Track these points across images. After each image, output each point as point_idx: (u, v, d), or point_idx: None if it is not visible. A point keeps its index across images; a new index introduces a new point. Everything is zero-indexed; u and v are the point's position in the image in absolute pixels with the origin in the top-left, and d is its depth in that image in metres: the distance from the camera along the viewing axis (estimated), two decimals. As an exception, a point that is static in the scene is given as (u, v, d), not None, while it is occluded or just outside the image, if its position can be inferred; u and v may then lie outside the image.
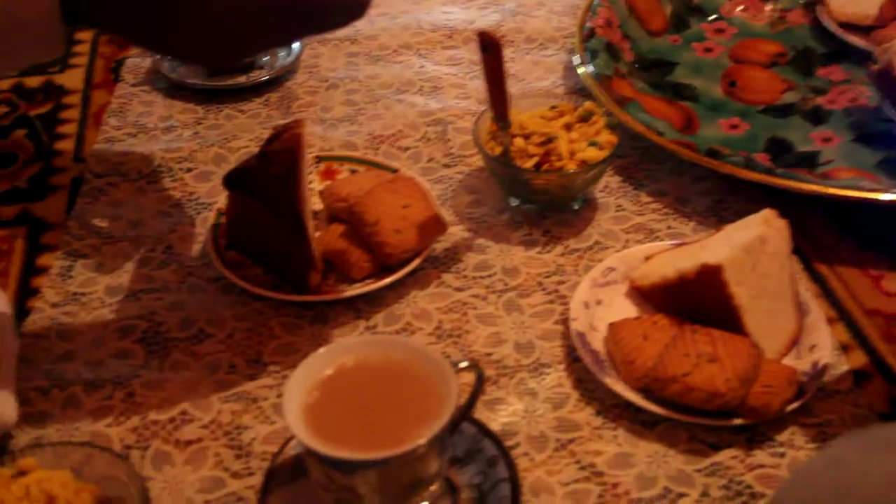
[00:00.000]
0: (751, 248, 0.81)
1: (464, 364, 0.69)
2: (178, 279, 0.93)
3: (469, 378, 0.70)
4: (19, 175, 1.08)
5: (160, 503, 0.73)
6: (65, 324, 0.89)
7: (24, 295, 0.93)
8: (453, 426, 0.68)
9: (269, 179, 0.85)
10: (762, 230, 0.82)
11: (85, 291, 0.92)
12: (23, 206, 1.04)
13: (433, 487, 0.69)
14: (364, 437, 0.65)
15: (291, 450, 0.74)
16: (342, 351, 0.69)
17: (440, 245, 0.95)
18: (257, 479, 0.74)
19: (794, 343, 0.82)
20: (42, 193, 1.05)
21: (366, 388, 0.68)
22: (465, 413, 0.71)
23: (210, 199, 1.01)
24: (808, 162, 1.02)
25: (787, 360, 0.81)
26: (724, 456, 0.75)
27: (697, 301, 0.81)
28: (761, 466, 0.74)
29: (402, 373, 0.68)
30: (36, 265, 0.96)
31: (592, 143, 0.94)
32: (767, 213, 0.83)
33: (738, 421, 0.76)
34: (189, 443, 0.78)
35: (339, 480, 0.65)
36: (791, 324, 0.83)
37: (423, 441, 0.63)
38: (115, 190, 1.04)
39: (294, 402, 0.66)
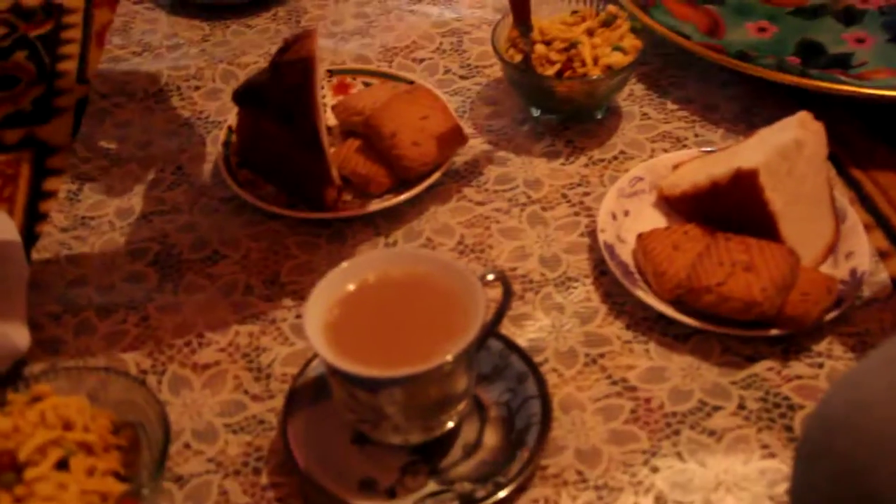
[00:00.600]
0: (786, 151, 0.77)
1: (490, 276, 0.66)
2: (190, 200, 0.90)
3: (495, 292, 0.67)
4: (22, 98, 1.04)
5: (179, 427, 0.71)
6: (75, 248, 0.86)
7: (32, 220, 0.90)
8: (481, 341, 0.66)
9: (281, 92, 0.82)
10: (798, 133, 0.78)
11: (94, 215, 0.89)
12: (27, 129, 1.00)
13: (461, 406, 0.66)
14: (388, 355, 0.62)
15: (313, 371, 0.71)
16: (364, 266, 0.66)
17: (459, 159, 0.91)
18: (278, 402, 0.72)
19: (831, 250, 0.79)
20: (46, 116, 1.02)
21: (389, 304, 0.65)
22: (492, 327, 0.68)
23: (220, 118, 0.98)
24: (841, 64, 0.97)
25: (824, 269, 0.78)
26: (760, 368, 0.73)
27: (731, 208, 0.78)
28: (799, 378, 0.72)
29: (426, 287, 0.66)
30: (43, 189, 0.93)
31: (617, 48, 0.90)
32: (803, 116, 0.79)
33: (774, 331, 0.73)
34: (207, 366, 0.75)
35: (364, 399, 0.62)
36: (828, 230, 0.79)
37: (449, 357, 0.60)
38: (122, 110, 1.00)
39: (315, 320, 0.63)
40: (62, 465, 0.63)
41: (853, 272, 0.76)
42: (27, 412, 0.65)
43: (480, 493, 0.64)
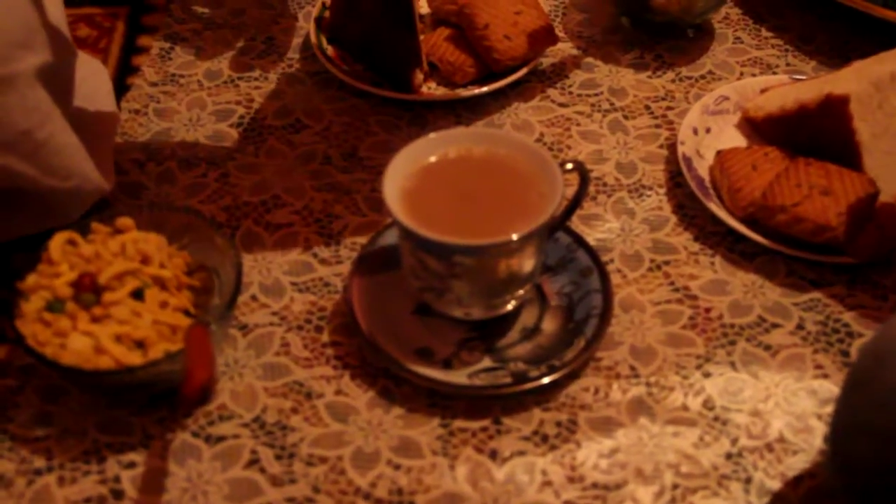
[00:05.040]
0: (881, 83, 0.76)
1: (569, 165, 0.67)
2: (278, 70, 0.91)
3: (570, 190, 0.68)
4: (123, -45, 1.06)
5: (248, 279, 0.73)
6: (163, 103, 0.88)
7: (124, 73, 0.92)
8: (555, 226, 0.66)
9: (380, -32, 0.82)
10: (895, 67, 0.77)
11: (184, 73, 0.91)
12: (126, -14, 1.02)
13: (524, 289, 0.67)
14: (462, 226, 0.63)
15: (382, 242, 0.73)
16: (447, 140, 0.67)
17: (547, 60, 0.91)
18: (345, 268, 0.74)
19: (912, 189, 0.78)
20: (145, -25, 1.03)
21: (467, 180, 0.66)
22: (566, 215, 0.69)
23: (314, -6, 0.99)
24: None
25: (902, 206, 0.77)
26: (824, 293, 0.73)
27: (816, 134, 0.77)
28: (862, 307, 0.72)
29: (505, 167, 0.66)
30: (136, 45, 0.95)
31: (720, -35, 0.89)
32: (903, 50, 0.78)
33: (843, 259, 0.73)
34: (279, 226, 0.77)
35: (433, 267, 0.64)
36: (911, 169, 0.79)
37: (517, 235, 0.61)
38: (219, -22, 1.02)
39: (393, 185, 0.64)
40: (138, 295, 0.65)
41: (931, 213, 0.76)
42: (109, 242, 0.67)
43: (533, 373, 0.65)
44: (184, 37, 0.95)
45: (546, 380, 0.65)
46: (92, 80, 0.81)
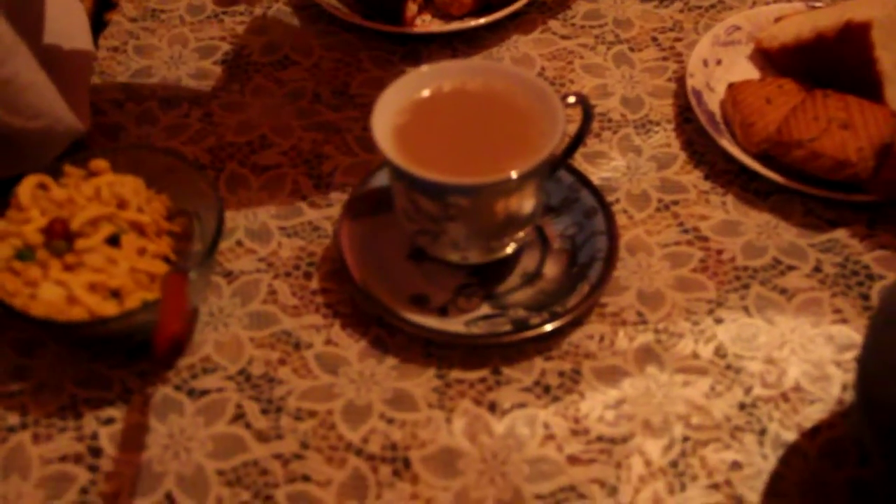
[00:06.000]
0: (904, 9, 0.71)
1: (571, 98, 0.62)
2: (265, 3, 0.86)
3: (572, 127, 0.64)
4: None
5: (233, 224, 0.69)
6: (143, 39, 0.84)
7: (103, 7, 0.87)
8: (556, 164, 0.62)
9: None
10: (919, -9, 0.72)
11: (165, 8, 0.86)
12: (104, -83, 0.97)
13: (523, 232, 0.63)
14: (456, 165, 0.59)
15: (374, 182, 0.69)
16: (441, 73, 0.63)
17: (548, -10, 0.86)
18: (335, 211, 0.70)
19: (935, 122, 0.74)
20: None
21: (463, 115, 0.62)
22: (568, 152, 0.65)
23: (302, -77, 0.93)
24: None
25: (925, 140, 0.73)
26: (843, 233, 0.69)
27: (834, 64, 0.73)
28: (883, 248, 0.68)
29: (504, 102, 0.62)
30: (115, -21, 0.90)
31: None
32: (927, -26, 0.73)
33: (862, 197, 0.68)
34: (266, 168, 0.73)
35: (426, 208, 0.60)
36: (935, 101, 0.74)
37: (520, 171, 0.57)
38: None
39: (384, 121, 0.60)
40: (114, 241, 0.61)
41: (955, 147, 0.71)
42: (83, 185, 0.64)
43: (535, 321, 0.62)
44: (165, -30, 0.90)
45: (548, 327, 0.61)
46: (67, 16, 0.77)
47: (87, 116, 0.74)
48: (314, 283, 0.66)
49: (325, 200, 0.71)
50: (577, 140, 0.64)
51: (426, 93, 0.63)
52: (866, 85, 0.71)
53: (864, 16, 0.71)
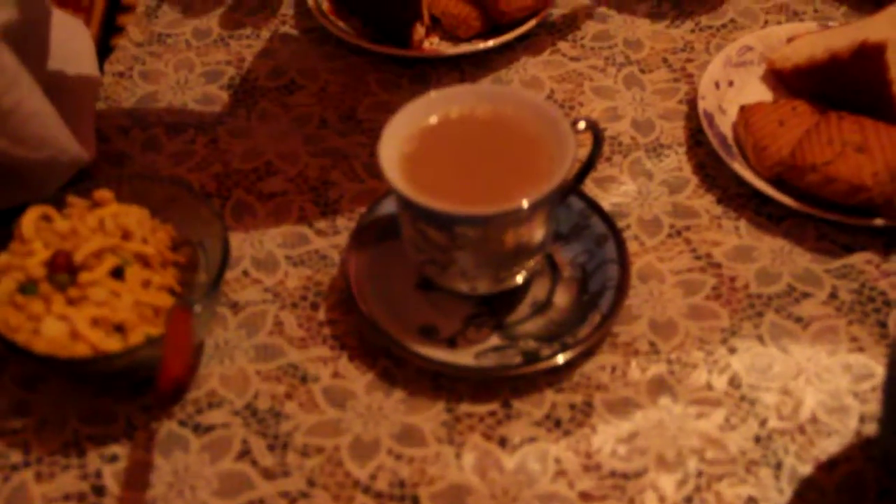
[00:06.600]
0: (919, 29, 0.70)
1: (581, 124, 0.61)
2: (271, 27, 0.85)
3: (583, 152, 0.63)
4: None
5: (240, 253, 0.69)
6: (149, 64, 0.83)
7: (109, 32, 0.87)
8: (564, 192, 0.61)
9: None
10: (935, 11, 0.71)
11: (171, 32, 0.86)
12: (110, -60, 0.96)
13: (534, 260, 0.62)
14: (465, 193, 0.58)
15: (381, 210, 0.68)
16: (449, 99, 0.62)
17: (557, 10, 0.85)
18: (343, 239, 0.69)
19: (952, 144, 0.73)
20: (130, -71, 0.98)
21: (471, 142, 0.61)
22: (579, 179, 0.64)
23: (309, -55, 0.93)
24: None
25: (942, 162, 0.72)
26: (858, 259, 0.67)
27: (848, 86, 0.71)
28: (900, 273, 0.67)
29: (513, 129, 0.61)
30: (122, 3, 0.90)
31: None
32: (943, -7, 0.72)
33: (879, 221, 0.67)
34: (273, 195, 0.72)
35: (434, 238, 0.59)
36: (951, 122, 0.73)
37: (527, 202, 0.56)
38: (208, -70, 0.96)
39: (391, 149, 0.59)
40: (118, 274, 0.60)
41: (973, 169, 0.70)
42: (87, 216, 0.63)
43: (546, 352, 0.60)
44: (171, -7, 0.90)
45: (559, 359, 0.60)
46: (72, 41, 0.77)
47: (92, 144, 0.73)
48: (321, 314, 0.65)
49: (332, 228, 0.70)
50: (588, 167, 0.63)
51: (434, 119, 0.62)
52: (882, 106, 0.70)
53: (878, 36, 0.70)
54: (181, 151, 0.76)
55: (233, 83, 0.81)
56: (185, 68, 0.83)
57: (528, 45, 0.83)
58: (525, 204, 0.56)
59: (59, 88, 0.70)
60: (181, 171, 0.74)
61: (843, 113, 0.70)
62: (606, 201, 0.71)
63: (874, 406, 0.59)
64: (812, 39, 0.76)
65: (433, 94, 0.61)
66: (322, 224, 0.71)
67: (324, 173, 0.74)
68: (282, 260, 0.68)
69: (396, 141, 0.60)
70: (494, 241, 0.59)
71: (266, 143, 0.76)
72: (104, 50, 0.84)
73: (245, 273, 0.68)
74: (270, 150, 0.75)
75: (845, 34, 0.73)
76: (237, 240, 0.69)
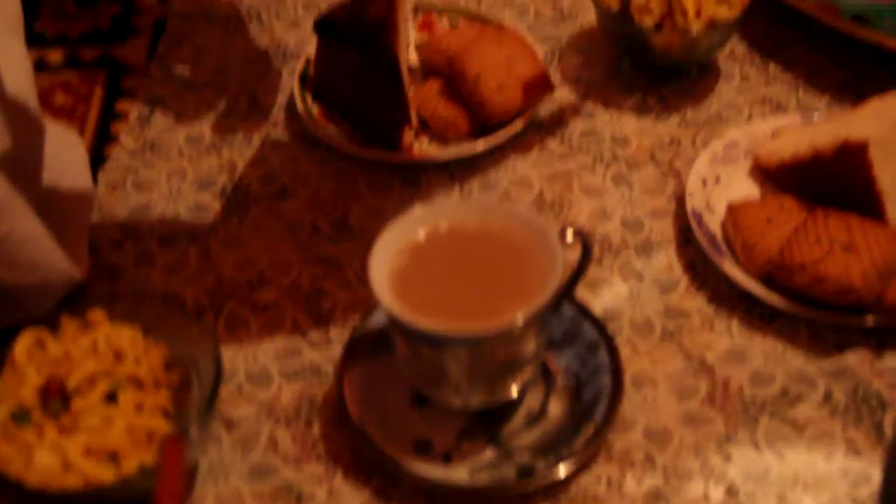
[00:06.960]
0: (901, 126, 0.71)
1: (569, 238, 0.61)
2: (262, 133, 0.86)
3: (573, 255, 0.63)
4: (101, 15, 1.02)
5: (233, 367, 0.69)
6: (142, 174, 0.84)
7: (102, 141, 0.88)
8: (554, 305, 0.61)
9: (364, 24, 0.77)
10: (916, 107, 0.72)
11: (163, 140, 0.87)
12: (104, 47, 0.98)
13: (527, 372, 0.62)
14: (456, 311, 0.58)
15: (375, 320, 0.68)
16: (437, 213, 0.62)
17: (544, 109, 0.86)
18: (336, 350, 0.69)
19: (940, 237, 0.73)
20: (123, 35, 0.99)
21: (461, 257, 0.61)
22: (568, 291, 0.64)
23: (298, 49, 0.94)
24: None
25: (930, 256, 0.72)
26: (852, 358, 0.67)
27: (833, 183, 0.72)
28: (893, 373, 0.66)
29: (501, 242, 0.61)
30: (115, 111, 0.91)
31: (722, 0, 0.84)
32: (923, 88, 0.73)
33: (870, 320, 0.67)
34: (266, 306, 0.73)
35: (426, 356, 0.59)
36: (938, 215, 0.73)
37: (520, 319, 0.56)
38: (200, 35, 0.97)
39: (380, 267, 0.59)
40: (111, 397, 0.60)
41: (962, 262, 0.70)
42: (80, 339, 0.63)
43: (541, 466, 0.60)
44: (164, 100, 0.91)
45: (555, 474, 0.60)
46: (65, 154, 0.77)
47: (85, 260, 0.73)
48: (315, 430, 0.65)
49: (325, 339, 0.70)
50: (577, 277, 0.64)
51: (422, 234, 0.62)
52: (867, 203, 0.71)
53: (860, 133, 0.70)
54: (174, 263, 0.76)
55: (225, 191, 0.81)
56: (177, 176, 0.83)
57: (517, 143, 0.83)
58: (516, 322, 0.56)
59: (52, 205, 0.71)
60: (174, 284, 0.74)
61: (830, 210, 0.71)
62: (597, 304, 0.71)
63: (873, 513, 0.59)
64: (796, 136, 0.77)
65: (418, 211, 0.62)
66: (315, 335, 0.71)
67: (316, 282, 0.74)
68: (275, 374, 0.68)
69: (386, 258, 0.60)
70: (486, 358, 0.59)
71: (258, 252, 0.76)
72: (98, 159, 0.85)
73: (239, 388, 0.68)
74: (263, 259, 0.76)
75: (828, 131, 0.74)
76: (231, 353, 0.70)
